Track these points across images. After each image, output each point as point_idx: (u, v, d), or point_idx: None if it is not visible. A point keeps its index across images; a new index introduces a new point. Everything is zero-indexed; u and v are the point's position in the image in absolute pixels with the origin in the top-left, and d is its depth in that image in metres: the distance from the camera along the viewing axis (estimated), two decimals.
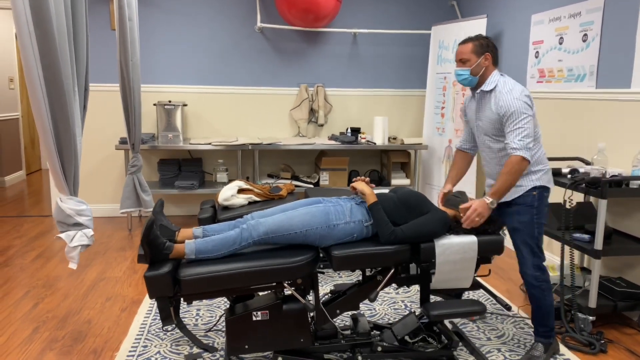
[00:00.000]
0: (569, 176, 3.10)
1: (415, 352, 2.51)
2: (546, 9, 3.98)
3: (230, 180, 5.14)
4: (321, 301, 2.45)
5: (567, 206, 3.10)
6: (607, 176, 2.89)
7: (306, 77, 5.48)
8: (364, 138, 5.21)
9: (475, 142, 2.80)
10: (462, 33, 4.78)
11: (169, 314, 2.30)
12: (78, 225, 2.70)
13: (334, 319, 2.48)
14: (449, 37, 5.01)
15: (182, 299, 2.37)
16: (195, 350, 2.70)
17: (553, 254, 3.92)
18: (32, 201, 5.98)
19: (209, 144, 4.86)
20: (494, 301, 3.38)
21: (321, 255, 2.53)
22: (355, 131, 5.28)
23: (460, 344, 2.73)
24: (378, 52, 5.55)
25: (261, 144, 4.86)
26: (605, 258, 3.38)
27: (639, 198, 3.10)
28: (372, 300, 2.39)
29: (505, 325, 3.04)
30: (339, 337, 2.54)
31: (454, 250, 2.38)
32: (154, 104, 4.98)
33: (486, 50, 2.53)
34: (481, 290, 3.53)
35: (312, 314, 2.53)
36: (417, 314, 2.67)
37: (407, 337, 2.54)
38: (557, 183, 3.13)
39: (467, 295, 3.45)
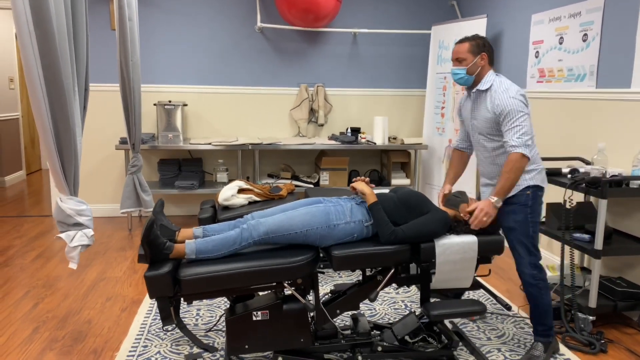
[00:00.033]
0: (569, 176, 3.10)
1: (416, 352, 2.51)
2: (546, 9, 3.98)
3: (230, 180, 5.14)
4: (321, 301, 2.45)
5: (567, 206, 3.10)
6: (607, 176, 2.89)
7: (306, 77, 5.48)
8: (364, 138, 5.21)
9: (471, 142, 2.81)
10: (462, 33, 4.77)
11: (169, 314, 2.30)
12: (78, 225, 2.70)
13: (334, 319, 2.48)
14: (449, 37, 5.01)
15: (182, 298, 2.37)
16: (196, 350, 2.70)
17: (553, 253, 3.92)
18: (32, 201, 5.98)
19: (209, 144, 4.86)
20: (494, 301, 3.38)
21: (321, 255, 2.53)
22: (355, 131, 5.28)
23: (461, 343, 2.73)
24: (378, 52, 5.55)
25: (261, 144, 4.86)
26: (606, 258, 3.38)
27: (639, 198, 3.10)
28: (372, 300, 2.39)
29: (506, 325, 3.04)
30: (339, 337, 2.54)
31: (454, 250, 2.38)
32: (154, 104, 4.98)
33: (482, 50, 2.55)
34: (481, 290, 3.54)
35: (312, 314, 2.53)
36: (417, 313, 2.67)
37: (407, 337, 2.54)
38: (557, 183, 3.13)
39: (467, 295, 3.45)
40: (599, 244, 2.83)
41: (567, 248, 3.63)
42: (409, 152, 5.43)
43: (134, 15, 4.06)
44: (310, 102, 5.43)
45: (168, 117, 4.85)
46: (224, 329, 2.93)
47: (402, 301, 3.36)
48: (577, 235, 3.04)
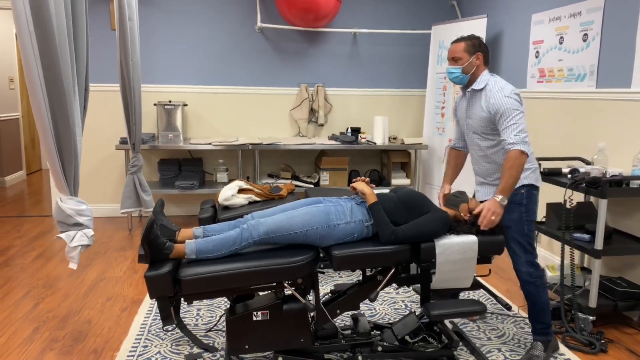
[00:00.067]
0: (569, 176, 3.10)
1: (416, 351, 2.51)
2: (546, 9, 3.98)
3: (230, 180, 5.14)
4: (321, 301, 2.45)
5: (568, 206, 3.10)
6: (608, 176, 2.89)
7: (306, 76, 5.48)
8: (364, 138, 5.21)
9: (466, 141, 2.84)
10: (462, 33, 4.76)
11: (169, 314, 2.30)
12: (78, 225, 2.70)
13: (334, 319, 2.48)
14: (449, 36, 5.00)
15: (182, 298, 2.37)
16: (196, 350, 2.70)
17: (553, 253, 3.92)
18: (33, 201, 5.98)
19: (209, 143, 4.86)
20: (494, 301, 3.38)
21: (321, 255, 2.53)
22: (356, 131, 5.28)
23: (461, 343, 2.73)
24: (378, 51, 5.55)
25: (261, 143, 4.86)
26: (606, 258, 3.38)
27: (639, 198, 3.10)
28: (373, 300, 2.39)
29: (506, 325, 3.04)
30: (339, 337, 2.54)
31: (454, 250, 2.38)
32: (154, 104, 4.98)
33: (478, 50, 2.59)
34: (481, 290, 3.54)
35: (312, 314, 2.53)
36: (417, 313, 2.67)
37: (407, 337, 2.54)
38: (557, 183, 3.13)
39: (467, 295, 3.45)
40: (599, 244, 2.83)
41: (567, 248, 3.63)
42: (409, 152, 5.43)
43: (134, 15, 4.06)
44: (310, 102, 5.43)
45: (168, 117, 4.85)
46: (224, 329, 2.93)
47: (402, 301, 3.36)
48: (577, 235, 3.04)
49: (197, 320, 3.06)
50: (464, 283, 2.47)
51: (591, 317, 2.86)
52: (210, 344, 2.75)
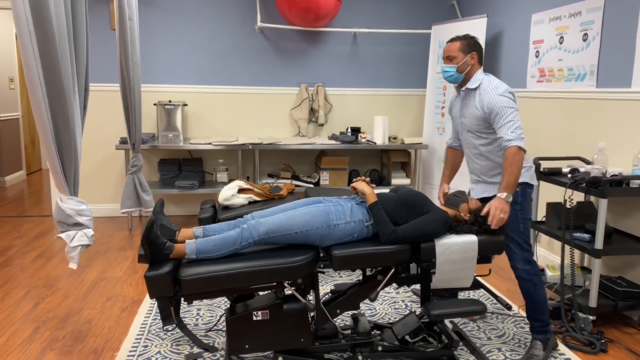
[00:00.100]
0: (569, 176, 3.10)
1: (416, 351, 2.51)
2: (546, 9, 3.98)
3: (230, 180, 5.14)
4: (321, 301, 2.45)
5: (568, 206, 3.10)
6: (608, 175, 2.89)
7: (306, 76, 5.48)
8: (364, 138, 5.21)
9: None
10: (463, 32, 4.77)
11: (169, 314, 2.30)
12: (78, 225, 2.70)
13: (335, 319, 2.48)
14: (449, 36, 5.00)
15: (182, 298, 2.37)
16: (196, 350, 2.70)
17: (553, 253, 3.92)
18: (33, 201, 5.98)
19: (209, 143, 4.86)
20: (495, 301, 3.38)
21: (321, 255, 2.53)
22: (356, 131, 5.28)
23: (461, 343, 2.73)
24: (378, 51, 5.55)
25: (261, 143, 4.86)
26: (606, 257, 3.38)
27: (639, 197, 3.10)
28: (373, 300, 2.39)
29: (506, 325, 3.04)
30: (340, 336, 2.54)
31: (454, 250, 2.38)
32: (154, 104, 4.98)
33: (473, 49, 2.62)
34: (481, 290, 3.53)
35: (312, 314, 2.53)
36: (417, 313, 2.67)
37: (407, 337, 2.54)
38: (557, 182, 3.13)
39: (467, 295, 3.45)
40: (599, 244, 2.83)
41: (567, 248, 3.63)
42: (409, 151, 5.43)
43: (134, 15, 4.06)
44: (310, 101, 5.43)
45: (168, 117, 4.85)
46: (224, 328, 2.93)
47: (403, 301, 3.36)
48: (578, 234, 3.04)
49: (197, 320, 3.06)
50: (464, 283, 2.47)
51: (591, 317, 2.86)
52: (211, 344, 2.75)
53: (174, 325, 2.74)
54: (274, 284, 2.36)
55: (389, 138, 5.30)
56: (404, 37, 5.56)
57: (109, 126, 5.26)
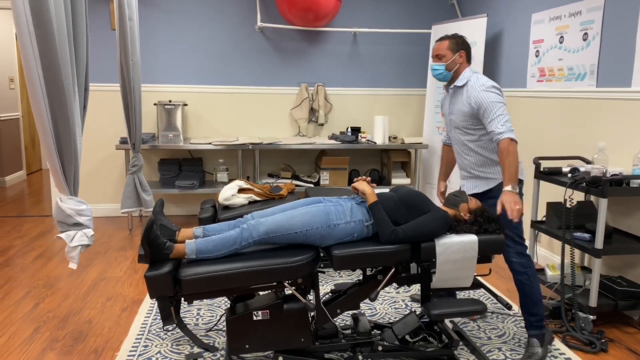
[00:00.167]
0: (569, 175, 3.10)
1: (416, 351, 2.51)
2: (546, 8, 3.98)
3: (230, 180, 5.14)
4: (322, 301, 2.45)
5: (568, 205, 3.10)
6: (608, 175, 2.89)
7: (306, 76, 5.48)
8: (365, 137, 5.21)
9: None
10: (463, 32, 4.77)
11: (169, 314, 2.30)
12: (78, 225, 2.70)
13: (335, 319, 2.48)
14: None
15: (182, 298, 2.37)
16: (196, 349, 2.70)
17: (554, 253, 3.92)
18: (33, 201, 5.98)
19: (210, 143, 4.86)
20: (495, 300, 3.38)
21: (321, 254, 2.53)
22: (356, 130, 5.28)
23: (461, 343, 2.73)
24: (378, 51, 5.55)
25: (261, 143, 4.86)
26: (606, 257, 3.38)
27: (639, 197, 3.10)
28: (373, 300, 2.39)
29: (506, 325, 3.04)
30: (340, 336, 2.54)
31: (454, 249, 2.38)
32: (155, 104, 4.98)
33: (461, 48, 2.68)
34: (482, 290, 3.53)
35: (312, 314, 2.53)
36: (417, 313, 2.67)
37: (407, 337, 2.54)
38: (557, 182, 3.13)
39: (467, 294, 3.45)
40: (599, 243, 2.83)
41: (567, 247, 3.63)
42: (409, 151, 5.43)
43: (134, 15, 4.06)
44: (310, 101, 5.43)
45: (168, 116, 4.85)
46: (225, 328, 2.93)
47: (403, 300, 3.36)
48: (578, 234, 3.04)
49: (197, 320, 3.06)
50: (465, 282, 2.47)
51: (591, 317, 2.86)
52: (211, 344, 2.75)
53: (174, 325, 2.74)
54: (274, 283, 2.36)
55: (389, 138, 5.30)
56: (404, 36, 5.56)
57: (109, 126, 5.26)
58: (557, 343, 2.81)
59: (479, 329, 2.99)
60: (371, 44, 5.53)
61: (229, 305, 2.81)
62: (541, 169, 3.34)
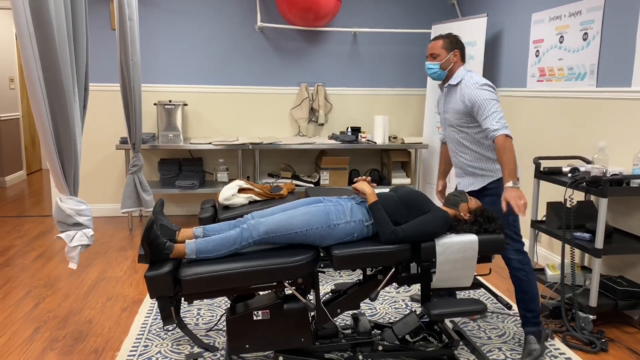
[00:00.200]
0: (569, 175, 3.10)
1: (416, 351, 2.51)
2: (546, 8, 3.98)
3: (230, 180, 5.14)
4: (322, 300, 2.45)
5: (568, 205, 3.10)
6: (608, 175, 2.89)
7: (306, 76, 5.48)
8: (365, 137, 5.21)
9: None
10: (463, 32, 4.78)
11: (169, 314, 2.30)
12: (78, 225, 2.70)
13: (335, 318, 2.48)
14: None
15: (182, 298, 2.37)
16: (196, 349, 2.71)
17: (554, 252, 3.92)
18: (33, 201, 5.99)
19: (210, 143, 4.86)
20: (495, 300, 3.37)
21: (322, 254, 2.53)
22: (356, 130, 5.28)
23: (461, 343, 2.73)
24: (378, 51, 5.55)
25: (261, 143, 4.86)
26: (606, 257, 3.38)
27: (639, 197, 3.10)
28: (373, 300, 2.39)
29: (506, 324, 3.04)
30: (340, 336, 2.54)
31: (454, 249, 2.38)
32: (155, 104, 4.98)
33: (455, 47, 2.71)
34: (482, 289, 3.53)
35: (312, 314, 2.54)
36: (417, 313, 2.67)
37: (407, 336, 2.54)
38: (557, 182, 3.13)
39: (467, 294, 3.45)
40: (599, 243, 2.83)
41: (567, 247, 3.63)
42: (409, 151, 5.43)
43: (134, 15, 4.06)
44: (310, 101, 5.43)
45: (168, 116, 4.85)
46: (225, 328, 2.93)
47: (403, 300, 3.36)
48: (578, 234, 3.04)
49: (197, 319, 3.06)
50: (465, 282, 2.47)
51: (592, 316, 2.86)
52: (211, 344, 2.75)
53: (175, 325, 2.74)
54: (274, 283, 2.36)
55: (389, 138, 5.30)
56: (404, 36, 5.56)
57: (109, 126, 5.26)
58: (557, 343, 2.81)
59: (479, 328, 2.99)
60: (371, 44, 5.53)
61: (229, 305, 2.82)
62: (541, 169, 3.34)
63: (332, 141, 5.15)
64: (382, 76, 5.60)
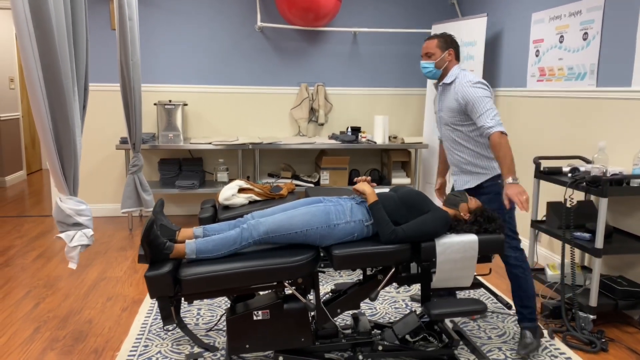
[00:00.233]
0: (569, 175, 3.10)
1: (416, 351, 2.51)
2: (546, 8, 3.98)
3: (230, 180, 5.14)
4: (322, 300, 2.45)
5: (568, 205, 3.10)
6: (608, 175, 2.89)
7: (306, 76, 5.48)
8: (365, 137, 5.21)
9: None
10: (463, 32, 4.78)
11: (169, 314, 2.30)
12: (78, 225, 2.70)
13: (335, 318, 2.48)
14: None
15: (182, 298, 2.37)
16: (196, 349, 2.71)
17: (554, 252, 3.92)
18: (33, 201, 5.98)
19: (210, 143, 4.86)
20: (495, 300, 3.37)
21: (322, 254, 2.53)
22: (356, 130, 5.28)
23: (461, 342, 2.73)
24: (378, 51, 5.55)
25: (262, 143, 4.86)
26: (606, 257, 3.38)
27: None
28: (373, 300, 2.39)
29: (506, 324, 3.04)
30: (340, 336, 2.54)
31: (454, 249, 2.38)
32: (155, 104, 4.98)
33: (450, 46, 2.73)
34: (482, 289, 3.53)
35: (312, 313, 2.53)
36: (417, 313, 2.67)
37: (408, 336, 2.54)
38: (557, 182, 3.13)
39: (467, 294, 3.45)
40: (599, 243, 2.82)
41: (567, 247, 3.63)
42: (409, 151, 5.43)
43: (134, 15, 4.06)
44: (310, 101, 5.43)
45: (168, 116, 4.85)
46: (225, 328, 2.93)
47: (403, 300, 3.36)
48: (578, 234, 3.04)
49: (197, 319, 3.06)
50: (465, 282, 2.47)
51: (592, 316, 2.86)
52: (211, 344, 2.75)
53: (175, 325, 2.74)
54: (274, 283, 2.36)
55: (389, 137, 5.30)
56: (404, 36, 5.56)
57: (109, 126, 5.26)
58: (558, 342, 2.81)
59: (479, 328, 2.99)
60: (371, 44, 5.53)
61: (229, 305, 2.81)
62: (541, 169, 3.34)
63: (332, 141, 5.15)
64: (382, 76, 5.60)
